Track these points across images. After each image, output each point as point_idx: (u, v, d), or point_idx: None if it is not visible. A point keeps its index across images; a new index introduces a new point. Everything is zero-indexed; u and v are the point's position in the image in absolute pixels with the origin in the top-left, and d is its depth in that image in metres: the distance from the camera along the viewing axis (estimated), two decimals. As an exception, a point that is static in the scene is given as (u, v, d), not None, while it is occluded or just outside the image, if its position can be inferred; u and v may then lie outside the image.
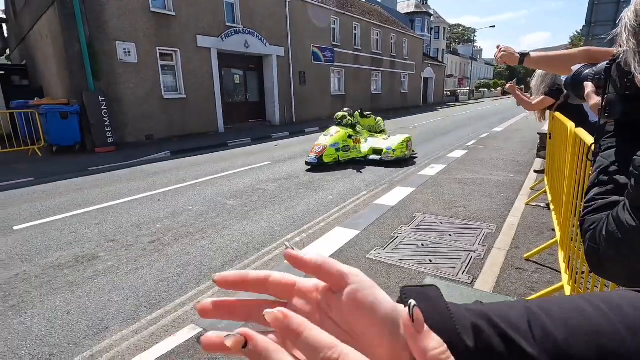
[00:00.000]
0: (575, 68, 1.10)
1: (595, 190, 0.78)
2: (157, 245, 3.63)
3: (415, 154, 7.83)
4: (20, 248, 3.63)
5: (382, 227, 3.87)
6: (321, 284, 0.27)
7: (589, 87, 0.95)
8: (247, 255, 3.37)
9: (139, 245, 3.63)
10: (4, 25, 16.60)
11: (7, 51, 17.03)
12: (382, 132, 8.48)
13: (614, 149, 0.80)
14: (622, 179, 0.72)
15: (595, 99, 0.90)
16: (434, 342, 0.22)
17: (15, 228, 4.19)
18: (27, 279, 3.01)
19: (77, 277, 3.02)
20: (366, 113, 8.32)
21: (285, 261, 0.27)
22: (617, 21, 0.63)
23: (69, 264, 3.25)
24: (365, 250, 3.31)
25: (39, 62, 12.74)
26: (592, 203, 0.77)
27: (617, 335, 0.24)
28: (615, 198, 0.71)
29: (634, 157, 0.55)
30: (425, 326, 0.23)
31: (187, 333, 2.26)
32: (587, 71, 1.01)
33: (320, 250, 3.35)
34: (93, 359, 2.10)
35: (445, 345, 0.22)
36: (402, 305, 0.26)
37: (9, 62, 16.91)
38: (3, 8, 17.57)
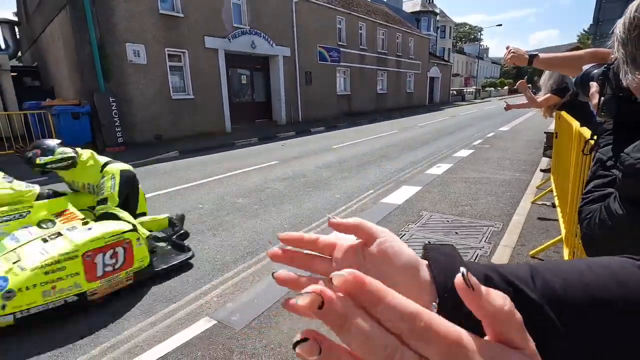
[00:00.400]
0: (585, 67, 1.16)
1: (593, 183, 0.85)
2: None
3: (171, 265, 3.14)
4: (39, 244, 3.75)
5: (389, 225, 3.94)
6: (356, 241, 0.34)
7: (593, 86, 1.01)
8: (257, 252, 3.46)
9: (152, 242, 3.74)
10: (16, 28, 16.90)
11: (19, 53, 17.34)
12: (103, 201, 3.18)
13: (610, 146, 0.87)
14: (616, 172, 0.79)
15: (597, 99, 0.97)
16: (499, 299, 0.21)
17: (32, 225, 4.32)
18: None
19: (94, 272, 3.12)
20: (68, 154, 3.17)
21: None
22: (610, 31, 0.70)
23: (86, 260, 3.36)
24: (372, 248, 3.38)
25: (50, 63, 12.99)
26: (590, 195, 0.84)
27: (606, 286, 0.30)
28: (610, 190, 0.78)
29: (621, 154, 0.62)
30: (483, 287, 0.21)
31: (202, 325, 2.35)
32: (595, 71, 1.08)
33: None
34: (113, 349, 2.20)
35: (509, 297, 0.21)
36: (424, 261, 0.32)
37: (21, 64, 17.23)
38: (15, 10, 17.91)
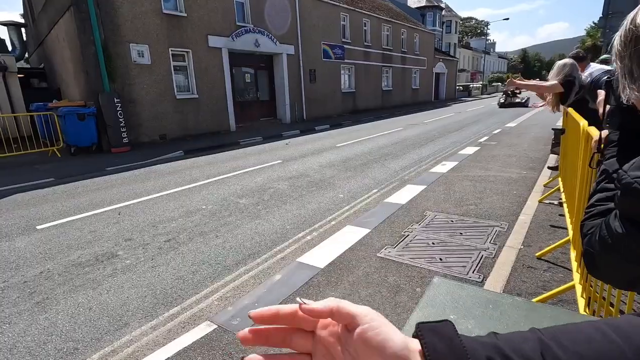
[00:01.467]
0: (595, 73, 1.13)
1: (596, 196, 0.81)
2: (172, 244, 3.73)
3: None
4: (44, 247, 3.79)
5: (393, 226, 3.90)
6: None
7: (601, 94, 0.98)
8: (259, 254, 3.44)
9: (155, 244, 3.75)
10: (23, 30, 17.07)
11: (26, 54, 17.53)
12: None
13: (615, 158, 0.83)
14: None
15: (603, 107, 0.93)
16: None
17: (38, 227, 4.36)
18: (51, 276, 3.15)
19: (97, 275, 3.14)
20: None
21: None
22: (609, 46, 0.67)
23: (89, 262, 3.38)
24: (375, 249, 3.35)
25: (56, 64, 13.10)
26: (592, 209, 0.79)
27: (622, 354, 0.27)
28: (612, 205, 0.74)
29: (619, 171, 0.58)
30: None
31: (203, 329, 2.34)
32: (603, 78, 1.04)
33: (332, 248, 3.40)
34: (114, 354, 2.20)
35: None
36: (415, 340, 0.28)
37: (28, 66, 17.43)
38: (22, 12, 18.09)
